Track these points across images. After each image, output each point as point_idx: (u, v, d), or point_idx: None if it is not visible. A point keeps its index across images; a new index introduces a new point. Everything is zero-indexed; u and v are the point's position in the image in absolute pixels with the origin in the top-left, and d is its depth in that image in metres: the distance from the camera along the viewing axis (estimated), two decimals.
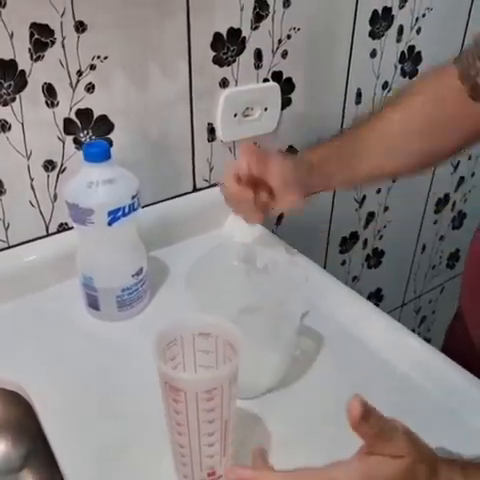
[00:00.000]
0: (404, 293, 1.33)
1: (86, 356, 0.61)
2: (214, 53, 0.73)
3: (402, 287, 1.31)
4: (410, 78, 0.97)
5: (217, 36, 0.72)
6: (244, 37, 0.74)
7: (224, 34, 0.72)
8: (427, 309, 1.42)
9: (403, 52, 0.94)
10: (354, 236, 1.10)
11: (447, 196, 1.24)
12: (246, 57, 0.76)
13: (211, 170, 0.81)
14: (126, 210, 0.59)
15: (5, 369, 0.59)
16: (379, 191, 1.08)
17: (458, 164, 1.20)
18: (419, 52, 0.96)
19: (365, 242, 1.14)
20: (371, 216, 1.10)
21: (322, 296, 0.69)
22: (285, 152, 0.65)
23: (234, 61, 0.75)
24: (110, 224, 0.59)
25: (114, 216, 0.59)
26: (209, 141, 0.79)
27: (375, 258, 1.18)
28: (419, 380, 0.59)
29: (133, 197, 0.60)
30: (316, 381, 0.59)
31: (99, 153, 0.58)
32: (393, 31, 0.90)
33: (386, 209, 1.12)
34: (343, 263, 1.12)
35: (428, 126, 0.64)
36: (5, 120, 0.62)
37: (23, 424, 0.61)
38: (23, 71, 0.60)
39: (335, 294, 0.70)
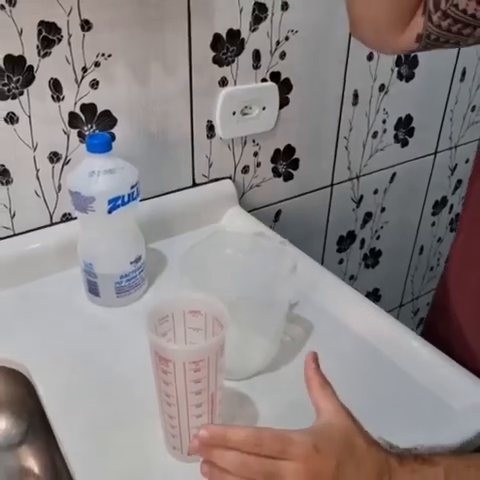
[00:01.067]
0: (402, 294, 1.35)
1: (85, 339, 0.64)
2: (214, 53, 0.76)
3: (400, 288, 1.33)
4: (407, 81, 1.00)
5: (217, 37, 0.75)
6: (243, 38, 0.77)
7: (224, 35, 0.76)
8: (425, 312, 1.43)
9: (400, 56, 0.97)
10: (351, 235, 1.13)
11: (444, 199, 1.26)
12: (245, 57, 0.79)
13: (210, 166, 0.84)
14: (125, 199, 0.62)
15: (9, 350, 0.62)
16: (376, 192, 1.11)
17: (455, 167, 1.22)
18: (415, 56, 0.99)
19: (362, 242, 1.16)
20: (368, 216, 1.13)
21: (313, 287, 0.72)
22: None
23: (233, 61, 0.78)
24: (110, 212, 0.62)
25: (114, 204, 0.62)
26: (208, 138, 0.82)
27: (372, 258, 1.21)
28: (403, 365, 0.61)
29: (132, 187, 0.63)
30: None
31: (101, 144, 0.61)
32: None
33: (383, 210, 1.15)
34: (340, 262, 1.14)
35: None
36: (13, 113, 0.65)
37: (23, 402, 0.64)
38: (31, 66, 0.64)
39: (326, 285, 0.73)
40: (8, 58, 0.62)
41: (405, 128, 1.07)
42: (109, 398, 0.57)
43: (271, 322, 0.61)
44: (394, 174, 1.11)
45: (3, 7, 0.59)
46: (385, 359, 0.63)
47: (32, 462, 0.64)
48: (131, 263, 0.67)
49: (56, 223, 0.74)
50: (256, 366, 0.60)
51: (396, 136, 1.06)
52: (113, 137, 0.72)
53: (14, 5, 0.60)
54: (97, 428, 0.54)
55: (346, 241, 1.12)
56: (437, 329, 0.70)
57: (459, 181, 1.26)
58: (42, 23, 0.62)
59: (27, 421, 0.65)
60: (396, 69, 0.98)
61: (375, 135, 1.02)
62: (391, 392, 0.59)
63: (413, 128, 1.08)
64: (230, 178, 0.87)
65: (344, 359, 0.62)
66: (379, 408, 0.56)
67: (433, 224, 1.28)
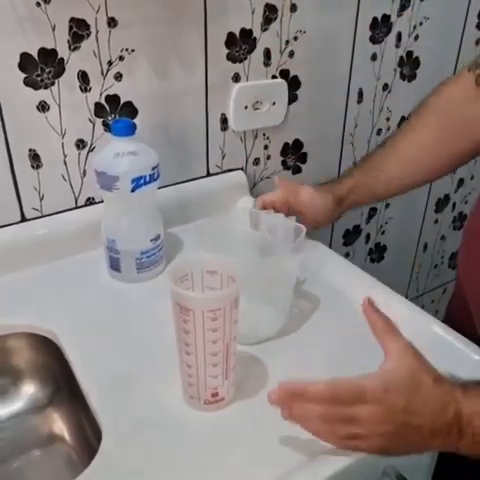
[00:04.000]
0: (407, 290, 1.39)
1: (107, 308, 0.69)
2: (228, 50, 0.82)
3: (405, 284, 1.37)
4: (409, 81, 1.06)
5: (231, 35, 0.81)
6: (255, 37, 0.83)
7: (237, 34, 0.82)
8: (430, 308, 1.47)
9: (402, 57, 1.02)
10: (357, 230, 1.17)
11: (447, 196, 1.30)
12: (256, 55, 0.85)
13: (223, 157, 0.90)
14: (147, 179, 0.68)
15: (37, 317, 0.67)
16: None
17: None
18: (417, 57, 1.04)
19: (368, 236, 1.21)
20: (373, 211, 1.18)
21: (320, 265, 0.76)
22: (315, 185, 0.75)
23: (246, 58, 0.84)
24: (133, 191, 0.67)
25: (137, 183, 0.67)
26: (222, 130, 0.88)
27: (378, 253, 1.25)
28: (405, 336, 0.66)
29: (153, 168, 0.69)
30: (312, 333, 0.67)
31: (125, 128, 0.67)
32: (392, 37, 0.99)
33: (387, 206, 1.20)
34: (347, 255, 1.19)
35: (445, 136, 0.69)
36: (45, 102, 0.71)
37: (49, 367, 0.69)
38: (62, 59, 0.70)
39: (332, 264, 0.78)
40: (42, 51, 0.68)
41: None
42: (130, 358, 0.62)
43: (279, 294, 0.66)
44: None
45: (39, 4, 0.66)
46: None
47: (59, 424, 0.69)
48: (151, 240, 0.72)
49: (81, 206, 0.80)
50: (266, 332, 0.65)
51: None
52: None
53: (48, 3, 0.66)
54: (119, 382, 0.59)
55: (352, 235, 1.17)
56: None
57: (461, 180, 1.30)
58: (73, 20, 0.69)
59: (53, 385, 0.70)
60: (399, 69, 1.03)
61: (379, 132, 1.08)
62: None
63: None
64: (242, 169, 0.92)
65: (349, 331, 0.66)
66: None
67: (436, 222, 1.32)
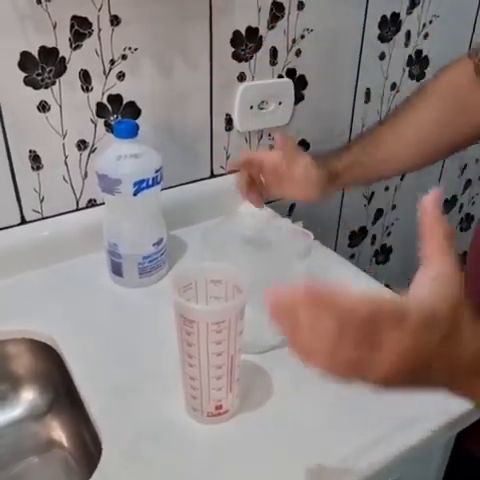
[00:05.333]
0: None
1: (108, 314, 0.68)
2: (233, 49, 0.80)
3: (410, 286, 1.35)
4: (417, 80, 1.03)
5: (236, 34, 0.79)
6: (261, 36, 0.81)
7: (243, 32, 0.80)
8: None
9: (411, 56, 1.00)
10: (363, 231, 1.16)
11: (454, 197, 1.28)
12: (262, 54, 0.83)
13: (227, 158, 0.88)
14: (150, 182, 0.66)
15: (37, 323, 0.66)
16: (387, 189, 1.14)
17: (465, 167, 1.25)
18: (426, 56, 1.02)
19: (374, 238, 1.19)
20: (379, 213, 1.16)
21: (325, 270, 0.75)
22: (313, 155, 0.71)
23: (251, 57, 0.82)
24: (135, 194, 0.66)
25: (139, 187, 0.65)
26: (226, 130, 0.86)
27: (383, 254, 1.23)
28: None
29: (156, 171, 0.67)
30: None
31: (128, 130, 0.65)
32: (401, 35, 0.97)
33: (394, 207, 1.18)
34: (352, 256, 1.17)
35: (445, 116, 0.67)
36: (45, 101, 0.69)
37: (49, 374, 0.68)
38: (63, 58, 0.68)
39: (337, 268, 0.76)
40: (42, 49, 0.66)
41: None
42: (131, 367, 0.61)
43: None
44: None
45: (40, 1, 0.64)
46: None
47: (58, 431, 0.68)
48: (153, 245, 0.71)
49: (82, 208, 0.78)
50: (270, 340, 0.63)
51: None
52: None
53: (50, 0, 0.64)
54: (120, 393, 0.57)
55: (358, 236, 1.15)
56: None
57: (469, 181, 1.28)
58: (75, 17, 0.67)
59: (52, 393, 0.69)
60: (407, 69, 1.01)
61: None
62: None
63: None
64: None
65: None
66: None
67: None
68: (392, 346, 0.35)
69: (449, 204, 1.28)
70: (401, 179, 1.14)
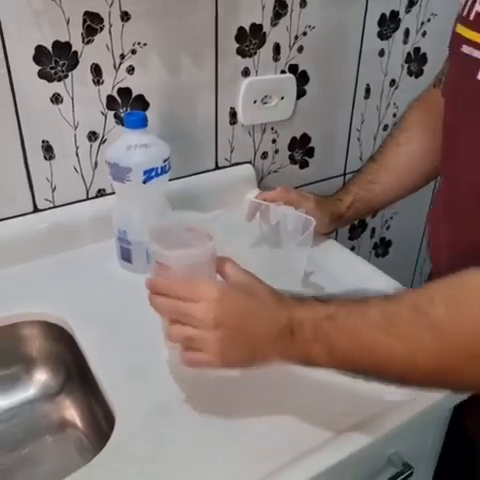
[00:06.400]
0: (410, 286, 1.40)
1: (118, 299, 0.70)
2: (238, 45, 0.83)
3: (409, 280, 1.38)
4: (416, 77, 1.06)
5: (241, 30, 0.82)
6: (265, 32, 0.84)
7: (247, 29, 0.83)
8: None
9: (409, 53, 1.03)
10: (362, 224, 1.19)
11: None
12: (266, 50, 0.86)
13: (232, 151, 0.91)
14: (159, 171, 0.69)
15: (50, 306, 0.69)
16: None
17: None
18: (424, 54, 1.05)
19: (373, 231, 1.22)
20: None
21: (326, 258, 0.78)
22: (318, 198, 0.78)
23: (255, 53, 0.85)
24: (145, 182, 0.68)
25: (148, 175, 0.68)
26: (231, 124, 0.89)
27: (382, 247, 1.26)
28: None
29: (165, 160, 0.70)
30: None
31: (138, 120, 0.67)
32: (400, 33, 1.00)
33: None
34: (352, 249, 1.20)
35: (425, 145, 0.75)
36: (58, 94, 0.72)
37: (61, 356, 0.70)
38: (76, 52, 0.71)
39: (338, 256, 0.79)
40: (56, 44, 0.69)
41: None
42: (141, 347, 0.63)
43: (287, 286, 0.66)
44: None
45: None
46: None
47: (70, 411, 0.71)
48: None
49: (92, 198, 0.81)
50: None
51: None
52: None
53: None
54: (133, 372, 0.60)
55: (357, 229, 1.18)
56: None
57: None
58: (87, 13, 0.70)
59: (65, 373, 0.71)
60: (406, 66, 1.04)
61: (385, 128, 1.09)
62: None
63: None
64: (250, 163, 0.93)
65: None
66: None
67: None
68: (201, 316, 0.47)
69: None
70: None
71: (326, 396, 0.57)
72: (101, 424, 0.64)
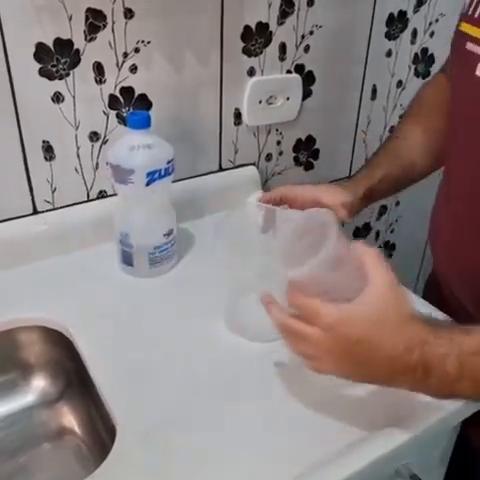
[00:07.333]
0: (413, 289, 1.38)
1: (118, 304, 0.69)
2: (243, 44, 0.81)
3: (412, 283, 1.37)
4: (423, 78, 1.05)
5: (247, 29, 0.80)
6: (271, 31, 0.83)
7: (253, 27, 0.81)
8: None
9: (417, 54, 1.01)
10: (367, 227, 1.17)
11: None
12: (272, 49, 0.84)
13: (236, 152, 0.89)
14: (162, 173, 0.67)
15: (49, 311, 0.67)
16: None
17: None
18: (432, 54, 1.03)
19: (377, 234, 1.20)
20: (383, 209, 1.17)
21: None
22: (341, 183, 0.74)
23: (261, 52, 0.83)
24: (148, 184, 0.67)
25: (152, 177, 0.66)
26: (235, 125, 0.87)
27: (387, 251, 1.24)
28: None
29: (168, 162, 0.68)
30: None
31: (141, 120, 0.66)
32: (407, 33, 0.98)
33: (398, 203, 1.19)
34: None
35: (437, 124, 0.71)
36: (59, 92, 0.70)
37: (61, 362, 0.69)
38: (78, 50, 0.69)
39: None
40: (57, 41, 0.67)
41: None
42: (142, 353, 0.62)
43: None
44: None
45: None
46: None
47: (69, 418, 0.69)
48: (164, 235, 0.71)
49: (92, 199, 0.79)
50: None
51: None
52: None
53: None
54: (132, 378, 0.58)
55: (362, 232, 1.16)
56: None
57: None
58: (89, 10, 0.68)
59: (64, 380, 0.70)
60: (413, 66, 1.02)
61: (392, 130, 1.07)
62: None
63: None
64: (254, 165, 0.92)
65: None
66: None
67: None
68: (316, 341, 0.46)
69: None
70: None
71: (335, 409, 0.55)
72: (100, 431, 0.62)
